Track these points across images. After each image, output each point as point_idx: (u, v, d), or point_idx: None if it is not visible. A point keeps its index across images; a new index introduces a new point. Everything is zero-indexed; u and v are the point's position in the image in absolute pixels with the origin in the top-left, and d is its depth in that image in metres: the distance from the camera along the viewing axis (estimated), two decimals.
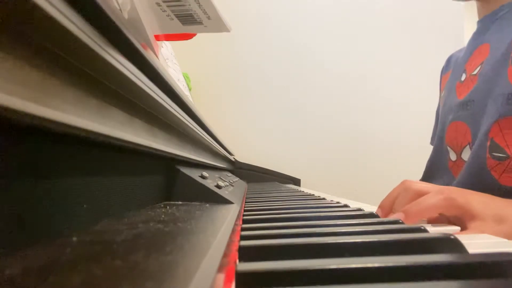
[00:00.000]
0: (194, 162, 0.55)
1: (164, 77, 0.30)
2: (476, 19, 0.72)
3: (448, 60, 0.84)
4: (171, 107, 0.33)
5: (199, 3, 0.37)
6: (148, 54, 0.26)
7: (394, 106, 1.77)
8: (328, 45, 1.81)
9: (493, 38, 0.64)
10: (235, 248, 0.23)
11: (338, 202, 0.55)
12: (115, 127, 0.24)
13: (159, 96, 0.29)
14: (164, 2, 0.37)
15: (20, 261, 0.14)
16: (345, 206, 0.49)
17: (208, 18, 0.40)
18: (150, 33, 0.38)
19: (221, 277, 0.16)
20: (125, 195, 0.32)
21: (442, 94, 0.81)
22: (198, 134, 0.50)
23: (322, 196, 0.70)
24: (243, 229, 0.31)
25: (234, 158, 1.46)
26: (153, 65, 0.27)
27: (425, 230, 0.29)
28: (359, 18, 1.82)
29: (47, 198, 0.19)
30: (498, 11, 0.65)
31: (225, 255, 0.19)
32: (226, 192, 0.51)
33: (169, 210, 0.34)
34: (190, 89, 1.50)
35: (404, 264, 0.18)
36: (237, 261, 0.21)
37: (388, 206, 0.48)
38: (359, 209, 0.45)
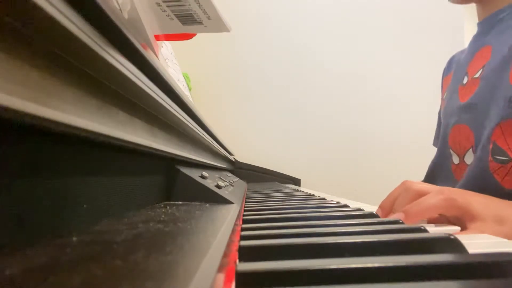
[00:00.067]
0: (194, 162, 0.55)
1: (164, 77, 0.30)
2: (476, 19, 0.72)
3: (450, 62, 0.84)
4: (171, 107, 0.33)
5: (199, 3, 0.37)
6: (148, 54, 0.26)
7: (394, 106, 1.77)
8: (328, 45, 1.81)
9: (494, 40, 0.64)
10: (235, 248, 0.23)
11: (338, 202, 0.55)
12: (115, 127, 0.24)
13: (159, 96, 0.29)
14: (164, 2, 0.37)
15: (20, 261, 0.14)
16: (345, 206, 0.49)
17: (208, 18, 0.40)
18: (150, 33, 0.38)
19: (221, 277, 0.16)
20: (125, 195, 0.32)
21: (444, 96, 0.80)
22: (198, 134, 0.50)
23: (322, 196, 0.70)
24: (243, 229, 0.31)
25: (234, 158, 1.46)
26: (153, 65, 0.27)
27: (425, 230, 0.29)
28: (359, 18, 1.82)
29: (47, 198, 0.19)
30: (499, 13, 0.65)
31: (225, 255, 0.19)
32: (226, 192, 0.51)
33: (169, 210, 0.34)
34: (190, 89, 1.50)
35: (404, 264, 0.18)
36: (237, 261, 0.21)
37: (388, 206, 0.48)
38: (359, 209, 0.45)
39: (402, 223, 0.34)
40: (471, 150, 0.63)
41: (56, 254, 0.15)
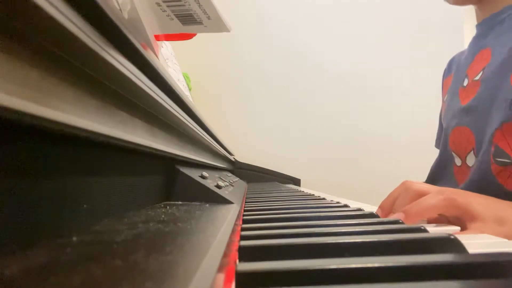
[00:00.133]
0: (194, 162, 0.55)
1: (164, 77, 0.30)
2: (476, 18, 0.72)
3: (450, 63, 0.84)
4: (171, 107, 0.33)
5: (199, 3, 0.37)
6: (148, 54, 0.26)
7: (394, 106, 1.77)
8: (328, 45, 1.81)
9: (494, 42, 0.64)
10: (235, 248, 0.23)
11: (338, 202, 0.55)
12: (115, 127, 0.24)
13: (159, 96, 0.29)
14: (164, 2, 0.37)
15: (20, 261, 0.14)
16: (345, 206, 0.49)
17: (208, 18, 0.40)
18: (150, 33, 0.38)
19: (221, 277, 0.16)
20: (125, 195, 0.32)
21: (444, 98, 0.80)
22: (198, 134, 0.50)
23: (322, 196, 0.70)
24: (243, 229, 0.31)
25: (234, 158, 1.46)
26: (153, 65, 0.27)
27: (425, 230, 0.29)
28: (359, 18, 1.82)
29: (47, 198, 0.19)
30: (498, 15, 0.65)
31: (225, 255, 0.19)
32: (226, 192, 0.51)
33: (169, 210, 0.34)
34: (190, 89, 1.50)
35: (404, 264, 0.18)
36: (237, 261, 0.21)
37: (388, 206, 0.48)
38: (359, 209, 0.45)
39: (402, 223, 0.34)
40: (472, 152, 0.63)
41: (56, 254, 0.15)
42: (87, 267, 0.13)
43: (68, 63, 0.18)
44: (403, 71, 1.78)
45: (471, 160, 0.63)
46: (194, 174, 0.47)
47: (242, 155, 1.55)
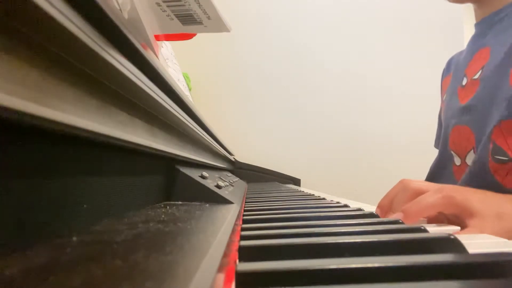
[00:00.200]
0: (194, 162, 0.55)
1: (164, 77, 0.30)
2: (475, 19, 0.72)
3: (449, 63, 0.84)
4: (171, 107, 0.33)
5: (199, 3, 0.37)
6: (148, 54, 0.26)
7: (394, 106, 1.77)
8: (328, 45, 1.81)
9: (493, 41, 0.64)
10: (235, 248, 0.23)
11: (338, 202, 0.55)
12: (115, 127, 0.24)
13: (159, 96, 0.29)
14: (164, 2, 0.37)
15: (20, 261, 0.14)
16: (345, 206, 0.49)
17: (208, 18, 0.40)
18: (150, 33, 0.38)
19: (221, 277, 0.16)
20: (125, 195, 0.32)
21: (443, 98, 0.81)
22: (198, 134, 0.50)
23: (322, 196, 0.70)
24: (243, 229, 0.31)
25: (234, 158, 1.46)
26: (153, 65, 0.27)
27: (425, 230, 0.29)
28: (359, 18, 1.82)
29: (47, 198, 0.19)
30: (497, 14, 0.65)
31: (225, 255, 0.19)
32: (226, 192, 0.51)
33: (169, 210, 0.34)
34: (190, 89, 1.50)
35: (404, 264, 0.18)
36: (237, 261, 0.21)
37: (386, 205, 0.48)
38: (359, 209, 0.45)
39: (402, 223, 0.34)
40: (472, 151, 0.63)
41: (56, 254, 0.15)
42: (87, 267, 0.13)
43: (68, 63, 0.18)
44: (403, 71, 1.78)
45: (470, 159, 0.63)
46: (194, 174, 0.47)
47: (242, 155, 1.55)
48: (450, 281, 0.18)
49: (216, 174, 0.68)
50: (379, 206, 0.49)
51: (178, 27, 0.41)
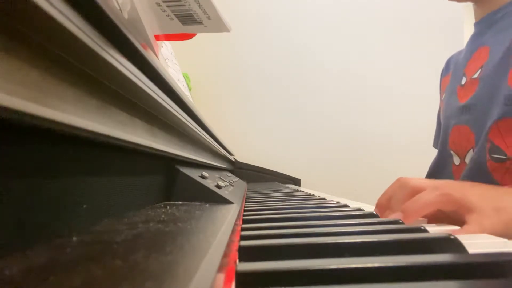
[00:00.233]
0: (194, 162, 0.55)
1: (164, 77, 0.30)
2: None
3: (448, 63, 0.84)
4: (171, 107, 0.33)
5: (199, 3, 0.37)
6: (148, 54, 0.26)
7: (394, 106, 1.77)
8: (328, 45, 1.81)
9: (491, 41, 0.64)
10: (235, 248, 0.23)
11: (338, 202, 0.55)
12: (115, 127, 0.24)
13: (159, 96, 0.29)
14: (164, 2, 0.37)
15: (20, 261, 0.14)
16: (345, 206, 0.49)
17: (208, 18, 0.40)
18: (150, 33, 0.38)
19: (221, 277, 0.16)
20: (125, 195, 0.32)
21: (442, 97, 0.81)
22: (198, 134, 0.50)
23: (322, 196, 0.70)
24: (243, 229, 0.31)
25: (234, 158, 1.46)
26: (153, 65, 0.27)
27: (425, 230, 0.29)
28: (359, 18, 1.82)
29: (47, 198, 0.19)
30: (496, 13, 0.65)
31: (225, 255, 0.19)
32: (226, 192, 0.51)
33: (169, 210, 0.34)
34: (190, 89, 1.50)
35: (404, 264, 0.18)
36: (237, 261, 0.21)
37: (384, 203, 0.48)
38: (359, 209, 0.45)
39: (402, 223, 0.34)
40: (471, 150, 0.63)
41: (56, 254, 0.15)
42: (87, 267, 0.13)
43: (68, 63, 0.18)
44: (403, 71, 1.78)
45: (470, 159, 0.63)
46: (194, 174, 0.47)
47: (242, 155, 1.55)
48: (450, 281, 0.18)
49: (216, 174, 0.68)
50: (377, 205, 0.49)
51: (178, 27, 0.41)
